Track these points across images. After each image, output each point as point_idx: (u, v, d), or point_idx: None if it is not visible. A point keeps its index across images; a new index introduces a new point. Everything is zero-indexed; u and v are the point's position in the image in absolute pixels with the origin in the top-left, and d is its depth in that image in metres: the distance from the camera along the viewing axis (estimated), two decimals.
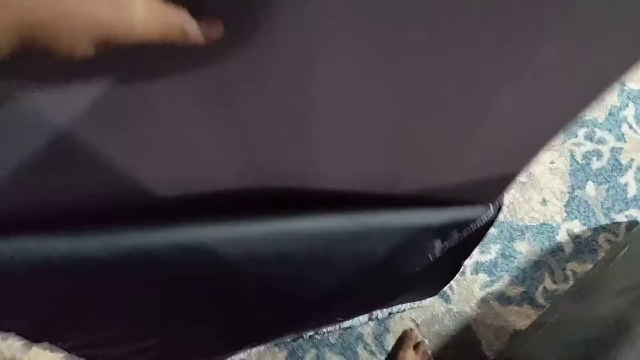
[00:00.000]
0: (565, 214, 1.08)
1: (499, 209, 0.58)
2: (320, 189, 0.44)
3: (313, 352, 0.94)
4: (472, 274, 1.02)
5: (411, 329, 0.97)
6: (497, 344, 0.98)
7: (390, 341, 0.96)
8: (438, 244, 0.57)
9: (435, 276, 0.77)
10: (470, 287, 1.01)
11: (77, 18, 0.21)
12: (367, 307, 0.86)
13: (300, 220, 0.44)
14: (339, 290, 0.65)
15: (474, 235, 0.59)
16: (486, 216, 0.54)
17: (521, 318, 0.99)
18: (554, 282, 1.03)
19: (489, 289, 1.01)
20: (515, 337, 0.98)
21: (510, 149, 0.43)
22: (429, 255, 0.58)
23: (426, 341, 0.96)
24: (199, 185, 0.40)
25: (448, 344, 0.97)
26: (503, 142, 0.42)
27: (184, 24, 0.25)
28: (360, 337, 0.96)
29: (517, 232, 1.05)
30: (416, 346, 0.94)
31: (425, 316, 0.98)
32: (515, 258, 1.04)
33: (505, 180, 0.50)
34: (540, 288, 1.02)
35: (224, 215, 0.42)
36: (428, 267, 0.65)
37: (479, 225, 0.56)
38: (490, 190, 0.52)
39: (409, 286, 0.77)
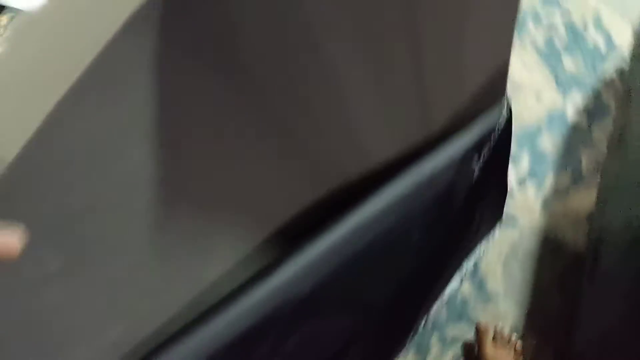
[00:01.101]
0: (561, 94, 1.13)
1: (509, 108, 0.63)
2: (370, 169, 0.49)
3: (435, 335, 0.96)
4: (520, 190, 1.05)
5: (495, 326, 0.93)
6: (581, 234, 1.00)
7: (490, 286, 0.99)
8: (475, 164, 0.62)
9: (492, 200, 0.81)
10: (526, 202, 1.04)
11: None
12: (455, 266, 0.89)
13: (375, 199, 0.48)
14: (435, 258, 0.69)
15: (502, 142, 0.64)
16: (503, 114, 0.60)
17: (585, 200, 1.02)
18: (591, 154, 1.06)
19: (542, 193, 1.04)
20: (592, 218, 1.00)
21: (490, 45, 0.50)
22: (472, 176, 0.63)
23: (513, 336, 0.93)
24: None
25: (539, 259, 1.00)
26: (483, 41, 0.48)
27: None
28: (465, 301, 0.98)
29: (533, 134, 1.10)
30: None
31: (505, 250, 1.01)
32: (546, 155, 1.08)
33: (501, 77, 0.56)
34: (584, 164, 1.06)
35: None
36: (480, 191, 0.70)
37: (501, 126, 0.61)
38: (494, 90, 0.58)
39: (475, 223, 0.81)
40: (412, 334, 0.89)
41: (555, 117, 1.11)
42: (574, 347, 0.86)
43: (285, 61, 0.32)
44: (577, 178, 1.05)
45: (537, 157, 1.08)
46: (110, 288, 0.32)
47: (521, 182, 1.06)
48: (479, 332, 0.93)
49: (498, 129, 0.62)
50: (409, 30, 0.39)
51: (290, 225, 0.44)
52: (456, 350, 0.95)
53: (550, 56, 1.16)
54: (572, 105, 1.12)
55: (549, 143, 1.09)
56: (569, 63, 1.15)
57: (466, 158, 0.59)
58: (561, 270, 0.99)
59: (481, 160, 0.63)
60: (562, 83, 1.14)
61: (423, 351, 0.95)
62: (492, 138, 0.62)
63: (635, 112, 0.93)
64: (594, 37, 1.17)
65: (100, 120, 0.26)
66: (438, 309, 0.98)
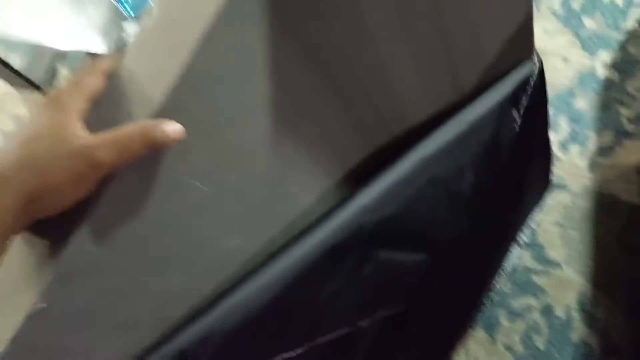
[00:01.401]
0: (587, 54, 1.12)
1: (540, 61, 0.64)
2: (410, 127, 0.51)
3: (502, 309, 0.95)
4: (565, 154, 1.05)
5: None
6: (634, 188, 0.98)
7: (551, 254, 0.97)
8: (515, 113, 0.62)
9: (537, 162, 0.81)
10: (573, 164, 1.03)
11: (57, 188, 0.29)
12: (511, 234, 0.88)
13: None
14: (490, 220, 0.69)
15: (538, 93, 0.64)
16: (535, 67, 0.60)
17: (632, 153, 1.01)
18: (629, 107, 1.05)
19: (587, 154, 1.03)
20: None
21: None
22: (514, 126, 0.63)
23: None
24: None
25: (595, 220, 0.98)
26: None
27: (148, 135, 0.30)
28: (528, 272, 0.97)
29: (567, 97, 1.09)
30: None
31: (560, 216, 1.00)
32: (584, 116, 1.07)
33: (527, 31, 0.56)
34: (624, 119, 1.04)
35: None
36: (524, 149, 0.69)
37: (535, 79, 0.61)
38: (523, 44, 0.58)
39: (525, 186, 0.81)
40: (477, 307, 0.89)
41: (586, 78, 1.10)
42: None
43: (342, 39, 0.38)
44: (619, 134, 1.04)
45: (575, 119, 1.07)
46: (234, 201, 0.38)
47: (564, 146, 1.05)
48: None
49: (532, 81, 0.62)
50: None
51: (360, 165, 0.49)
52: (525, 322, 0.94)
53: (569, 19, 1.16)
54: (601, 63, 1.11)
55: (585, 104, 1.08)
56: (589, 22, 1.15)
57: (504, 108, 0.59)
58: (620, 228, 0.97)
59: (520, 111, 0.63)
60: (587, 43, 1.13)
61: (492, 327, 0.94)
62: (527, 89, 0.62)
63: None
64: None
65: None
66: (502, 282, 0.97)
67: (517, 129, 0.64)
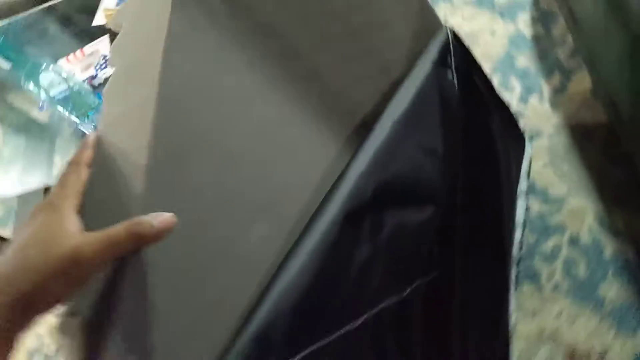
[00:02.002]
0: (509, 21, 1.26)
1: (451, 28, 0.75)
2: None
3: (536, 257, 1.00)
4: (527, 106, 1.15)
5: None
6: (595, 109, 1.08)
7: (554, 192, 1.04)
8: (449, 73, 0.72)
9: (501, 118, 0.90)
10: (537, 112, 1.13)
11: (48, 289, 0.31)
12: (511, 192, 0.95)
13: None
14: (481, 178, 0.77)
15: (461, 53, 0.75)
16: (448, 31, 0.71)
17: (583, 81, 1.12)
18: (562, 48, 1.18)
19: (546, 98, 1.14)
20: (595, 91, 1.09)
21: None
22: (454, 83, 0.72)
23: None
24: None
25: (578, 148, 1.07)
26: None
27: (134, 231, 0.32)
28: (542, 216, 1.03)
29: (507, 61, 1.22)
30: None
31: (546, 158, 1.08)
32: (527, 70, 1.19)
33: (426, 8, 0.68)
34: (563, 59, 1.16)
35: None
36: (479, 107, 0.79)
37: (452, 41, 0.72)
38: (428, 19, 0.70)
39: (499, 142, 0.89)
40: (510, 263, 0.94)
41: (517, 40, 1.24)
42: None
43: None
44: (564, 72, 1.15)
45: (523, 75, 1.19)
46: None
47: (524, 100, 1.16)
48: None
49: (450, 43, 0.73)
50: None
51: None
52: (560, 260, 0.99)
53: (481, 1, 1.32)
54: (523, 24, 1.25)
55: (526, 60, 1.21)
56: None
57: (438, 68, 0.69)
58: (601, 145, 1.05)
59: (452, 70, 0.73)
60: (504, 13, 1.28)
61: (534, 277, 0.99)
62: (449, 49, 0.72)
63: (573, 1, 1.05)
64: None
65: None
66: (525, 236, 1.03)
67: (456, 87, 0.74)
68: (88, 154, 0.37)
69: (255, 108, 0.42)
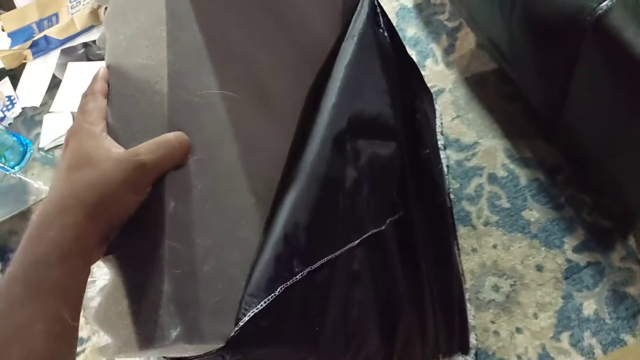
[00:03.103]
0: None
1: None
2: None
3: (464, 202, 1.07)
4: (425, 69, 1.23)
5: None
6: (484, 58, 1.18)
7: (466, 140, 1.12)
8: (381, 31, 0.78)
9: (415, 77, 0.97)
10: (435, 72, 1.22)
11: (114, 197, 0.31)
12: (430, 137, 1.02)
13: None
14: (411, 119, 0.83)
15: (385, 16, 0.81)
16: None
17: (467, 38, 1.22)
18: (443, 13, 1.28)
19: (438, 58, 1.23)
20: (480, 42, 1.19)
21: None
22: (387, 41, 0.78)
23: None
24: None
25: (476, 94, 1.16)
26: None
27: (184, 139, 0.34)
28: (460, 162, 1.11)
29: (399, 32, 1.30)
30: None
31: (451, 110, 1.16)
32: (417, 38, 1.28)
33: None
34: (445, 21, 1.27)
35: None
36: (402, 62, 0.85)
37: (376, 2, 0.78)
38: None
39: (418, 98, 0.96)
40: (446, 206, 0.99)
41: (402, 12, 1.33)
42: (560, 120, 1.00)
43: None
44: (450, 31, 1.25)
45: (414, 43, 1.28)
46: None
47: (421, 64, 1.24)
48: None
49: (377, 5, 0.79)
50: None
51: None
52: (484, 197, 1.06)
53: None
54: None
55: (414, 29, 1.30)
56: None
57: (373, 26, 0.75)
58: (495, 88, 1.15)
59: (384, 29, 0.80)
60: None
61: (465, 218, 1.05)
62: (378, 11, 0.78)
63: None
64: None
65: None
66: (449, 183, 1.10)
67: (389, 44, 0.80)
68: (101, 84, 0.37)
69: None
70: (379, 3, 0.82)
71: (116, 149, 0.33)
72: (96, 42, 1.09)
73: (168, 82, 0.36)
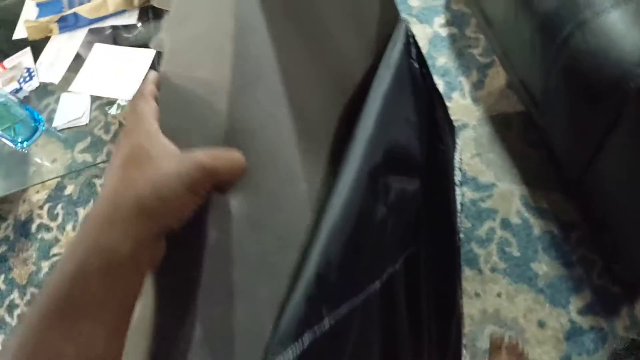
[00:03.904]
0: (425, 24, 1.34)
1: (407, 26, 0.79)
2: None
3: (473, 244, 1.05)
4: (451, 102, 1.21)
5: (501, 338, 0.96)
6: (512, 99, 1.16)
7: (483, 180, 1.10)
8: (414, 64, 0.76)
9: (442, 108, 0.95)
10: (461, 106, 1.20)
11: (170, 193, 0.28)
12: (451, 174, 1.00)
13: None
14: (436, 158, 0.80)
15: (417, 46, 0.79)
16: (407, 24, 0.75)
17: (497, 76, 1.20)
18: (476, 47, 1.26)
19: (466, 93, 1.21)
20: (510, 83, 1.17)
21: None
22: (418, 72, 0.76)
23: (518, 342, 0.95)
24: None
25: (499, 137, 1.14)
26: None
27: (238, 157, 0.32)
28: (475, 202, 1.08)
29: (430, 61, 1.28)
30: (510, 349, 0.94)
31: (472, 146, 1.14)
32: (447, 68, 1.26)
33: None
34: (478, 57, 1.25)
35: None
36: (430, 96, 0.83)
37: (410, 33, 0.76)
38: (391, 10, 0.73)
39: (442, 130, 0.94)
40: (457, 246, 0.97)
41: (435, 41, 1.31)
42: (573, 178, 0.98)
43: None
44: (481, 68, 1.23)
45: (443, 74, 1.26)
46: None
47: (447, 96, 1.22)
48: (491, 345, 0.96)
49: (410, 35, 0.77)
50: None
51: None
52: (494, 242, 1.04)
53: (400, 6, 1.38)
54: (439, 26, 1.33)
55: (444, 59, 1.28)
56: (414, 2, 1.38)
57: (406, 59, 0.73)
58: (521, 132, 1.13)
59: (416, 61, 0.78)
60: (421, 17, 1.35)
61: (472, 261, 1.03)
62: (411, 41, 0.76)
63: (483, 1, 1.13)
64: None
65: None
66: (461, 222, 1.07)
67: (421, 77, 0.78)
68: (151, 88, 0.35)
69: None
70: (412, 34, 0.80)
71: (174, 147, 0.31)
72: (151, 45, 1.08)
73: (228, 106, 0.34)
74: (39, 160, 1.11)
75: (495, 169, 1.11)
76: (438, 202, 0.85)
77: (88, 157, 1.22)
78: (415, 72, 0.78)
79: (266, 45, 0.41)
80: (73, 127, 1.05)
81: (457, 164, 1.13)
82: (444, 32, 1.31)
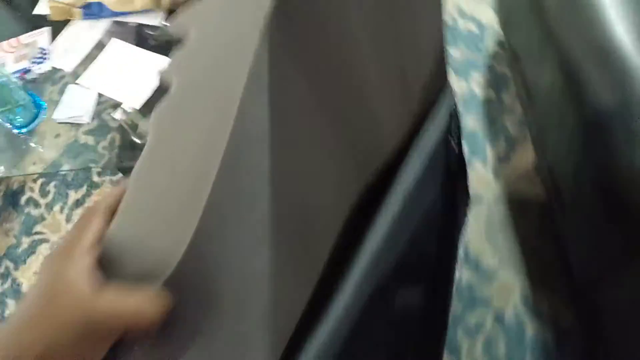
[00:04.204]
0: (463, 79, 1.26)
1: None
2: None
3: (459, 329, 0.98)
4: (472, 170, 1.13)
5: None
6: (535, 183, 1.08)
7: (485, 263, 1.03)
8: (452, 141, 0.70)
9: (463, 178, 0.88)
10: (481, 177, 1.12)
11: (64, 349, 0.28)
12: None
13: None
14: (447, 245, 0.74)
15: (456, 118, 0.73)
16: (453, 94, 0.68)
17: (525, 154, 1.12)
18: (510, 116, 1.18)
19: (490, 165, 1.14)
20: (538, 167, 1.09)
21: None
22: (454, 151, 0.70)
23: None
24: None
25: (513, 221, 1.06)
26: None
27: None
28: (471, 286, 1.02)
29: None
30: None
31: (483, 223, 1.07)
32: (475, 133, 1.18)
33: (441, 55, 0.65)
34: (509, 128, 1.17)
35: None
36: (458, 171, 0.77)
37: (454, 102, 0.69)
38: (441, 72, 0.66)
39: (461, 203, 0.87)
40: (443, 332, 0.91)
41: (468, 100, 1.23)
42: (577, 287, 0.91)
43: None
44: (510, 140, 1.15)
45: (470, 138, 1.18)
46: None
47: (469, 163, 1.15)
48: None
49: (453, 107, 0.71)
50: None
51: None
52: (482, 335, 0.98)
53: None
54: (476, 84, 1.25)
55: (474, 123, 1.20)
56: (455, 52, 1.30)
57: (446, 138, 0.66)
58: (536, 221, 1.05)
59: (455, 138, 0.71)
60: (459, 69, 1.27)
61: (455, 350, 0.97)
62: (455, 117, 0.70)
63: (525, 64, 1.05)
64: (465, 25, 1.33)
65: None
66: (453, 303, 1.01)
67: (457, 156, 0.72)
68: (113, 201, 0.33)
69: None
70: (455, 104, 0.73)
71: (86, 291, 0.29)
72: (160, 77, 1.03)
73: (189, 244, 0.30)
74: (33, 145, 1.07)
75: (502, 254, 1.04)
76: (435, 285, 0.79)
77: (91, 140, 1.18)
78: (451, 155, 0.72)
79: (264, 154, 0.35)
80: (75, 123, 1.01)
81: (462, 239, 1.06)
82: (479, 91, 1.24)
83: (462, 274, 1.03)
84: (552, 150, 0.96)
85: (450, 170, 0.71)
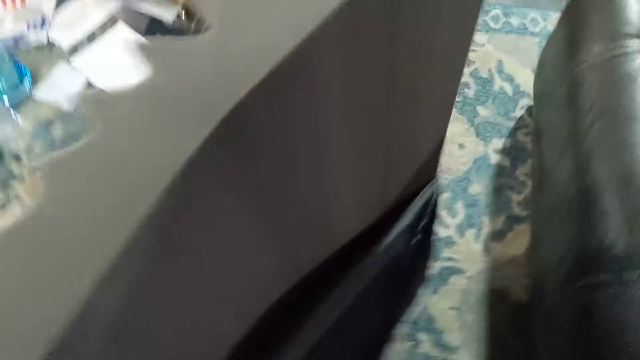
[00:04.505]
0: (482, 141, 1.20)
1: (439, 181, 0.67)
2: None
3: None
4: (461, 238, 1.09)
5: None
6: (521, 271, 1.04)
7: (448, 338, 1.00)
8: (414, 238, 0.65)
9: (421, 259, 0.84)
10: (468, 248, 1.08)
11: None
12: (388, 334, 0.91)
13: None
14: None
15: (432, 212, 0.68)
16: (437, 190, 0.64)
17: (521, 237, 1.07)
18: (518, 193, 1.12)
19: (482, 237, 1.09)
20: (529, 258, 1.05)
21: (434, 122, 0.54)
22: (411, 244, 0.66)
23: None
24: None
25: (490, 306, 1.02)
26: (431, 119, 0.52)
27: None
28: (428, 358, 0.98)
29: (462, 182, 1.15)
30: None
31: (457, 300, 1.03)
32: (477, 200, 1.13)
33: (438, 150, 0.60)
34: (514, 205, 1.11)
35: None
36: (415, 256, 0.73)
37: (434, 202, 0.64)
38: (432, 165, 0.61)
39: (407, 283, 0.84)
40: None
41: (481, 164, 1.18)
42: None
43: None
44: (510, 218, 1.10)
45: (470, 204, 1.13)
46: None
47: (460, 230, 1.10)
48: None
49: (432, 205, 0.66)
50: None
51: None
52: None
53: (464, 107, 1.25)
54: (493, 150, 1.19)
55: (479, 189, 1.15)
56: (483, 111, 1.24)
57: (407, 235, 0.62)
58: (512, 311, 1.01)
59: (418, 234, 0.67)
60: (481, 130, 1.22)
61: None
62: (427, 213, 0.65)
63: (546, 149, 1.00)
64: (500, 83, 1.27)
65: None
66: None
67: (411, 247, 0.67)
68: None
69: None
70: (436, 201, 0.68)
71: None
72: None
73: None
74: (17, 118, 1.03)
75: (467, 335, 1.00)
76: None
77: None
78: (406, 250, 0.67)
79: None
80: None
81: (428, 308, 1.02)
82: (494, 158, 1.18)
83: (421, 342, 1.00)
84: (547, 246, 0.91)
85: (399, 259, 0.66)
